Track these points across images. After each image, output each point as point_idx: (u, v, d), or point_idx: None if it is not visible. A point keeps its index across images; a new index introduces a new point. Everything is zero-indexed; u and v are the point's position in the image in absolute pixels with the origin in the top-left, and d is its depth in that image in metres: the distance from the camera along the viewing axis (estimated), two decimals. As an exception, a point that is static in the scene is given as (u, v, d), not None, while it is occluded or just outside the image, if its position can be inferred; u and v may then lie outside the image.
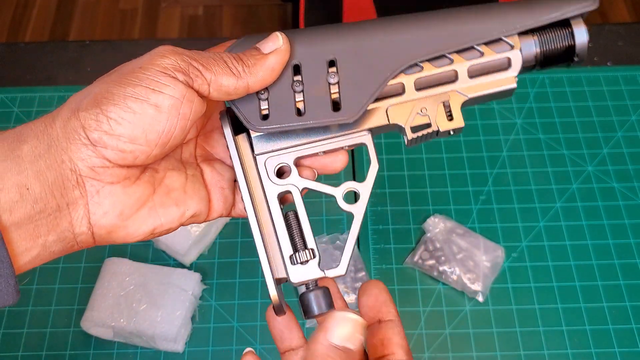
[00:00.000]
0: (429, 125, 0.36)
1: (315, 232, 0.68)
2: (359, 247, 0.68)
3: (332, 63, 0.36)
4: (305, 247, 0.36)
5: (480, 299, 0.64)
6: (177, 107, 0.31)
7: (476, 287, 0.64)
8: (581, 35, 0.36)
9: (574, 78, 0.80)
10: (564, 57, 0.37)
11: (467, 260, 0.65)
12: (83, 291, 0.65)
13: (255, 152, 0.37)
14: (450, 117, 0.37)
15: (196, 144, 0.38)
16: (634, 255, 0.67)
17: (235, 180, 0.38)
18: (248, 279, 0.66)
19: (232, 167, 0.38)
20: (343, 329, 0.31)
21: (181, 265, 0.66)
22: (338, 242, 0.66)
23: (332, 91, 0.36)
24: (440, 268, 0.65)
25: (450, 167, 0.73)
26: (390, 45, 0.36)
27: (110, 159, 0.30)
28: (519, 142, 0.75)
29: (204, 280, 0.65)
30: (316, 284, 0.36)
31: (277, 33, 0.35)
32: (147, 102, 0.30)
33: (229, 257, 0.67)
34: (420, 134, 0.36)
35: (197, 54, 0.33)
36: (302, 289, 0.36)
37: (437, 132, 0.37)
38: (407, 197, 0.71)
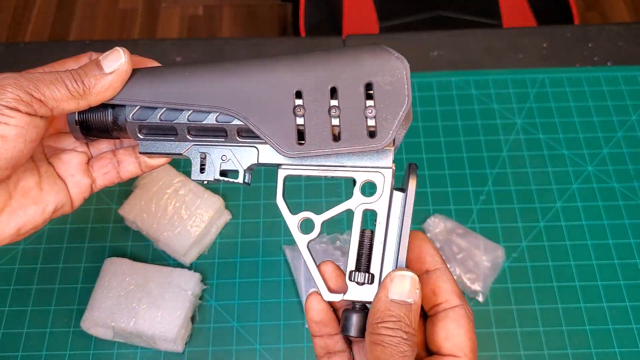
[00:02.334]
0: None
1: (315, 232, 0.68)
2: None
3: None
4: (367, 269, 0.37)
5: (480, 299, 0.64)
6: (22, 135, 0.33)
7: (476, 287, 0.64)
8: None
9: (574, 78, 0.80)
10: None
11: (467, 260, 0.65)
12: (83, 291, 0.65)
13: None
14: None
15: (42, 144, 0.40)
16: (634, 255, 0.67)
17: (88, 162, 0.41)
18: (248, 279, 0.66)
19: (79, 152, 0.41)
20: (400, 285, 0.34)
21: (181, 265, 0.66)
22: (338, 242, 0.66)
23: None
24: (440, 268, 0.65)
25: (450, 167, 0.73)
26: None
27: None
28: (519, 142, 0.75)
29: (204, 280, 0.65)
30: (363, 307, 0.38)
31: (119, 49, 0.37)
32: None
33: (229, 257, 0.67)
34: None
35: (38, 80, 0.34)
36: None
37: None
38: (407, 197, 0.71)
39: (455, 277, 0.64)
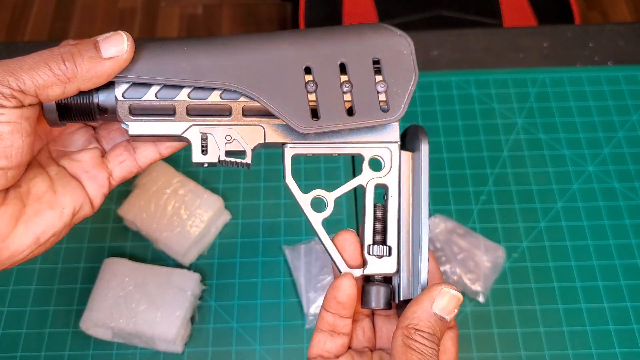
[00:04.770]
0: None
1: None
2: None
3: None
4: (384, 242, 0.38)
5: (480, 299, 0.64)
6: (18, 129, 0.31)
7: (477, 287, 0.64)
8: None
9: (574, 78, 0.79)
10: None
11: (468, 261, 0.65)
12: (82, 291, 0.65)
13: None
14: None
15: (49, 149, 0.38)
16: (634, 256, 0.67)
17: (102, 156, 0.39)
18: (248, 279, 0.66)
19: (91, 149, 0.38)
20: (446, 301, 0.35)
21: (180, 266, 0.66)
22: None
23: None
24: (441, 268, 0.65)
25: (451, 167, 0.73)
26: None
27: None
28: (519, 142, 0.74)
29: (203, 280, 0.65)
30: (383, 280, 0.38)
31: (122, 34, 0.33)
32: None
33: (229, 258, 0.67)
34: None
35: (18, 67, 0.32)
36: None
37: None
38: (408, 197, 0.71)
39: (455, 278, 0.64)
